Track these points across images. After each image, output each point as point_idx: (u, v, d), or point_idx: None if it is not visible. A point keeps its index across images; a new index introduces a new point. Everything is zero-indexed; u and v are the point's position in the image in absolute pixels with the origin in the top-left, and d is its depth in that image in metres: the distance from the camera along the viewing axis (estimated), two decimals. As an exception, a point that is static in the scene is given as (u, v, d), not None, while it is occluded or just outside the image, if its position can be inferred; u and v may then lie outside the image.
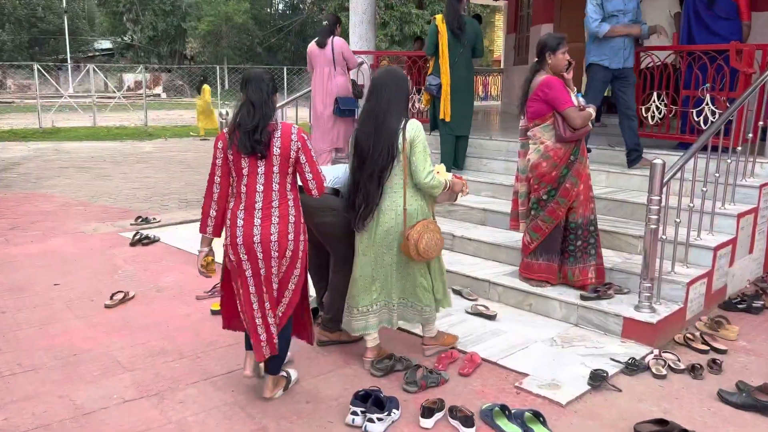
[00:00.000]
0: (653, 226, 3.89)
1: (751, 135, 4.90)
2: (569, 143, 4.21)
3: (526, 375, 3.52)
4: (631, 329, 3.95)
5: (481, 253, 5.13)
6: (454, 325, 4.16)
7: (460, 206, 5.76)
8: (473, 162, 6.59)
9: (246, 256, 3.00)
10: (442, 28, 6.16)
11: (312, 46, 7.21)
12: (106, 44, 39.38)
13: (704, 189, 4.40)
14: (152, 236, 6.31)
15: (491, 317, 4.27)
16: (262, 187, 2.98)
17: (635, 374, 3.56)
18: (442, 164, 3.64)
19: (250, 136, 2.92)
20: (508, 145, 6.69)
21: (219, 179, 3.05)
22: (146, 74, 22.20)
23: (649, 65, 5.90)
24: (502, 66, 13.67)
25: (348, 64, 7.17)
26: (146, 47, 36.04)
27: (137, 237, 6.25)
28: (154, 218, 7.13)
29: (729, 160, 4.66)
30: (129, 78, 28.92)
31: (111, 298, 4.63)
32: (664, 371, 3.55)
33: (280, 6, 40.70)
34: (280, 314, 3.14)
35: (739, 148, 4.75)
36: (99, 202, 8.33)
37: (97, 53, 38.64)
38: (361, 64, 7.86)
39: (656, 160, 3.87)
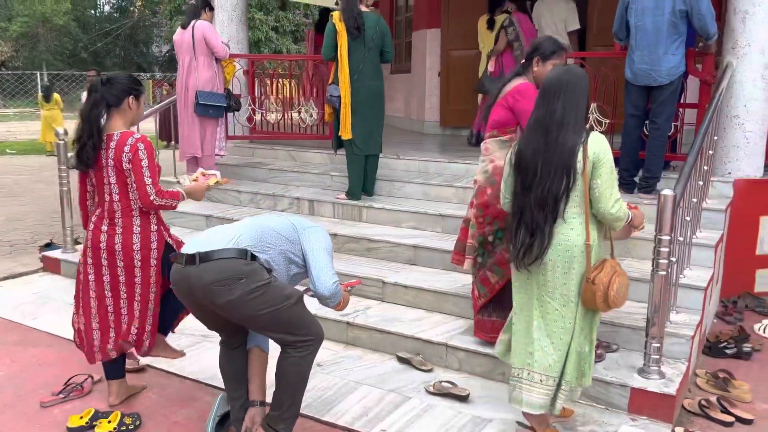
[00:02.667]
0: (663, 272, 3.14)
1: (711, 152, 4.36)
2: None
3: (548, 494, 2.57)
4: (642, 402, 3.15)
5: (423, 303, 4.14)
6: (420, 416, 3.14)
7: (383, 242, 4.74)
8: (384, 186, 5.57)
9: (91, 260, 3.03)
10: (341, 28, 5.09)
11: (178, 31, 5.99)
12: None
13: (687, 218, 3.74)
14: (-35, 302, 4.59)
15: (463, 398, 3.28)
16: (108, 197, 3.00)
17: (673, 470, 2.75)
18: None
19: (78, 153, 2.94)
20: (420, 165, 5.79)
21: (78, 185, 3.14)
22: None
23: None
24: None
25: (214, 52, 5.94)
26: (-56, 50, 31.15)
27: (-58, 306, 4.52)
28: (-34, 273, 5.30)
29: (701, 183, 4.07)
30: None
31: None
32: (707, 463, 2.78)
33: (107, 8, 37.24)
34: (134, 328, 3.08)
35: (706, 167, 4.19)
36: None
37: None
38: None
39: (665, 191, 3.12)
